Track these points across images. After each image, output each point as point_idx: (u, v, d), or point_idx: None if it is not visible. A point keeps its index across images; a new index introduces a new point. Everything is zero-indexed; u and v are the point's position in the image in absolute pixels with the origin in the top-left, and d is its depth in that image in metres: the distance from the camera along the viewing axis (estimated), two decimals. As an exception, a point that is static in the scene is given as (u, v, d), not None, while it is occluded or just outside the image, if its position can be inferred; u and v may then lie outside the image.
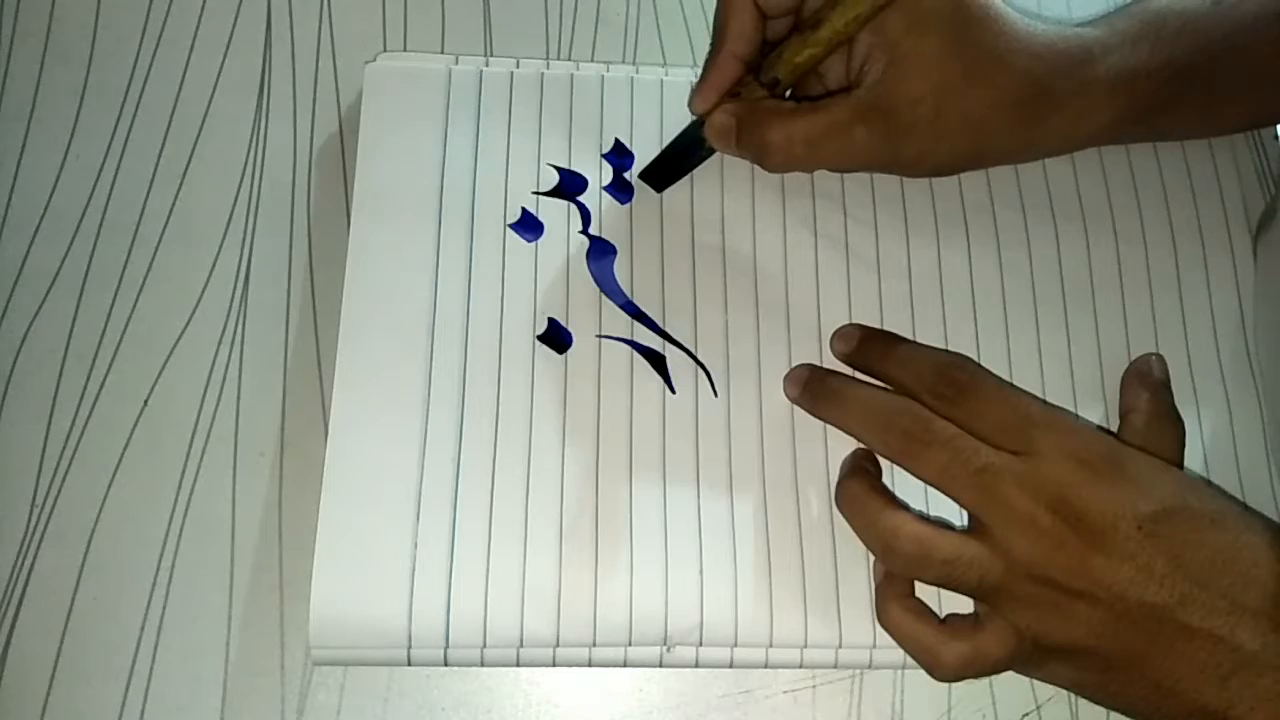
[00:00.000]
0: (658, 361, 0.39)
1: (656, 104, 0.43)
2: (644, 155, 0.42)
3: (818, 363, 0.40)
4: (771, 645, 0.37)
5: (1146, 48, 0.38)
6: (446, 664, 0.36)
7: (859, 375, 0.39)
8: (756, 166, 0.42)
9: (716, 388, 0.39)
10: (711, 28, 0.38)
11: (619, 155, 0.42)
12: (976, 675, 0.34)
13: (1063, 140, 0.40)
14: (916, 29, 0.36)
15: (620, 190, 0.42)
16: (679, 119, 0.43)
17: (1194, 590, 0.31)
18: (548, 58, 0.45)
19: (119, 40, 0.44)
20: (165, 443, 0.39)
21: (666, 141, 0.42)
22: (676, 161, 0.41)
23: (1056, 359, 0.41)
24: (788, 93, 0.40)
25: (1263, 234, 0.44)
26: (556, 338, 0.39)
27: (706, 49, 0.47)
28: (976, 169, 0.42)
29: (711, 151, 0.40)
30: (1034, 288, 0.42)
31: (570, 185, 0.42)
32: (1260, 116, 0.45)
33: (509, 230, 0.41)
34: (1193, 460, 0.39)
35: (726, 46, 0.38)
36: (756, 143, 0.38)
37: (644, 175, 0.42)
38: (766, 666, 0.37)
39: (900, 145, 0.38)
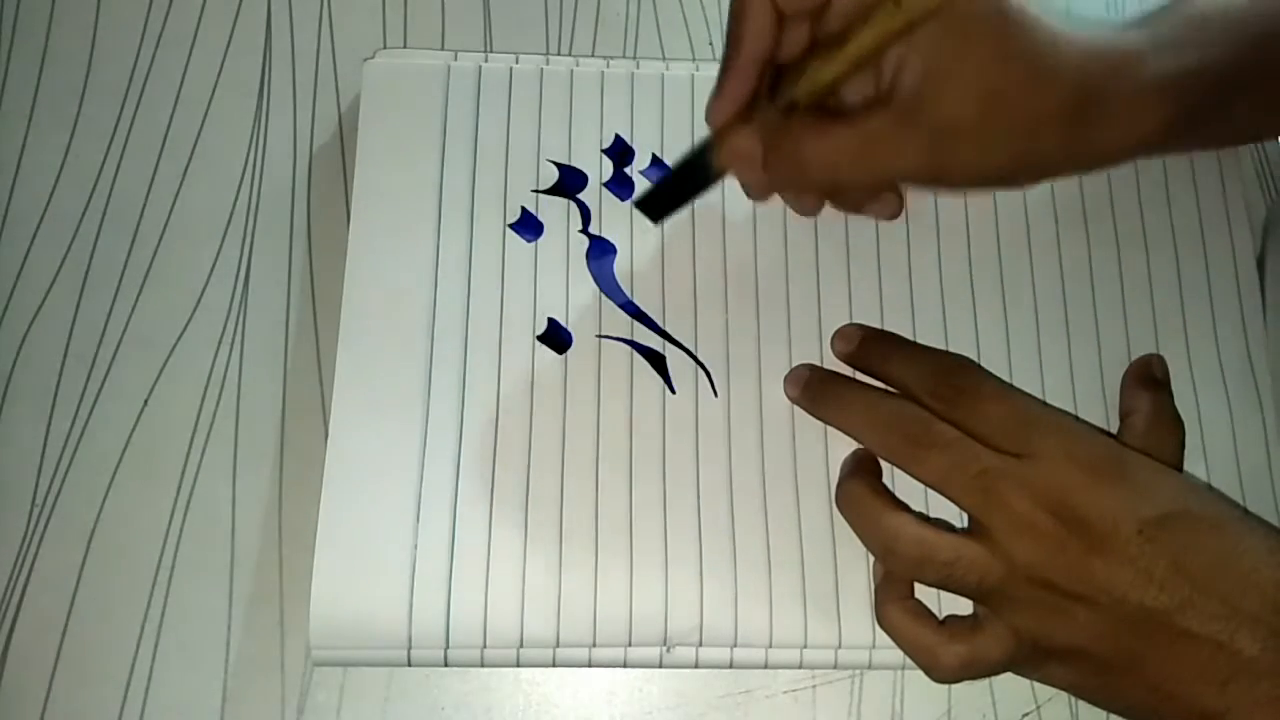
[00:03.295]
0: (658, 361, 0.39)
1: (657, 99, 0.43)
2: (645, 151, 0.42)
3: (818, 363, 0.40)
4: (771, 645, 0.37)
5: (1193, 51, 0.36)
6: (446, 664, 0.36)
7: (859, 375, 0.39)
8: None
9: (716, 388, 0.39)
10: (725, 31, 0.36)
11: (619, 150, 0.42)
12: (975, 677, 0.34)
13: (1112, 149, 0.37)
14: (958, 33, 0.33)
15: (621, 186, 0.42)
16: (680, 114, 0.43)
17: (1194, 595, 0.31)
18: (547, 53, 0.45)
19: (119, 40, 0.44)
20: (165, 443, 0.39)
21: (667, 137, 0.42)
22: (678, 191, 0.39)
23: (1057, 359, 0.41)
24: None
25: (1271, 235, 0.44)
26: (556, 338, 0.39)
27: (705, 46, 0.47)
28: (1024, 183, 0.39)
29: (715, 179, 0.38)
30: (1034, 288, 0.42)
31: (570, 181, 0.41)
32: None
33: (509, 230, 0.40)
34: (1193, 461, 0.39)
35: (745, 49, 0.35)
36: (791, 162, 0.35)
37: (640, 204, 0.40)
38: (766, 667, 0.37)
39: (946, 154, 0.35)
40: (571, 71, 0.43)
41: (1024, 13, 0.35)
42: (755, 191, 0.39)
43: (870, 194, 0.40)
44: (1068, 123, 0.35)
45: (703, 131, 0.42)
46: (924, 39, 0.33)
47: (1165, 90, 0.36)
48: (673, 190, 0.39)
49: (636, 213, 0.41)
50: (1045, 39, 0.35)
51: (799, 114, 0.35)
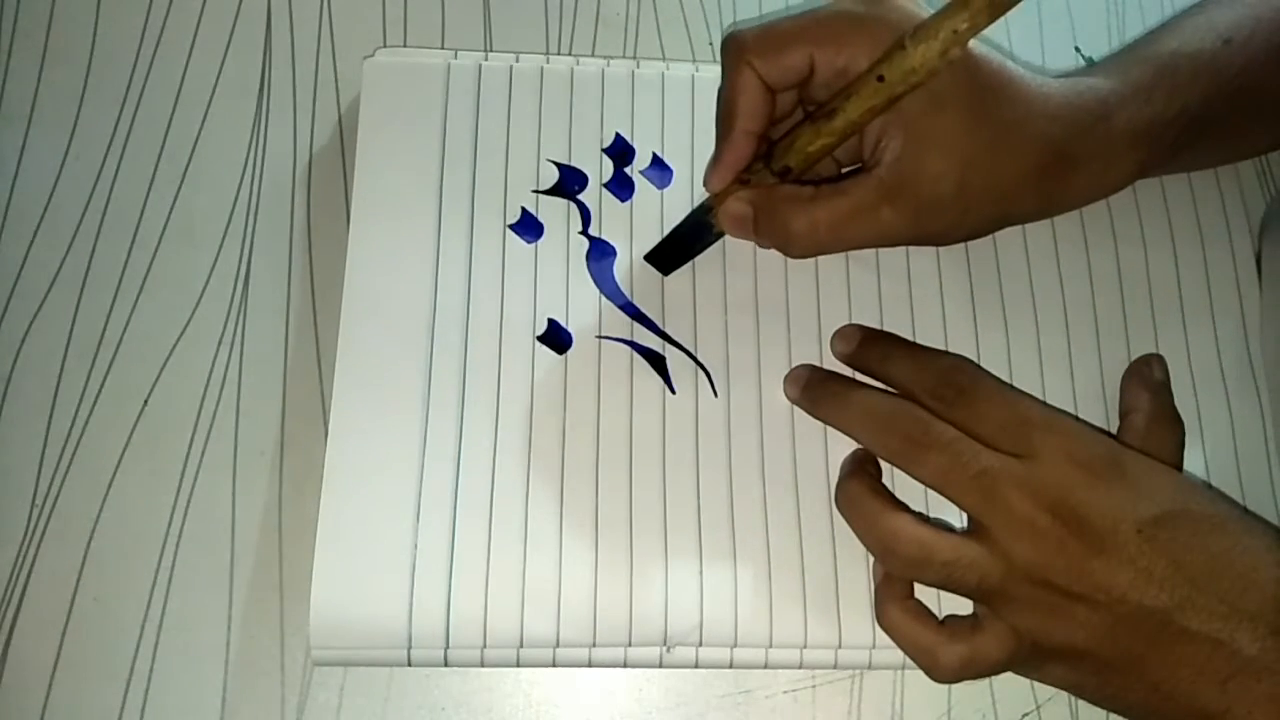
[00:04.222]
0: (658, 362, 0.39)
1: (658, 99, 0.43)
2: (645, 150, 0.42)
3: (818, 363, 0.40)
4: (771, 645, 0.37)
5: (1162, 96, 0.38)
6: (446, 664, 0.36)
7: (859, 376, 0.39)
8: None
9: (716, 388, 0.39)
10: (717, 105, 0.37)
11: (620, 149, 0.42)
12: (975, 677, 0.34)
13: (1085, 196, 0.39)
14: (934, 105, 0.35)
15: (621, 187, 0.42)
16: (681, 115, 0.43)
17: (1193, 594, 0.31)
18: (547, 53, 0.45)
19: (119, 40, 0.44)
20: (165, 443, 0.39)
21: (666, 137, 0.42)
22: (684, 246, 0.41)
23: (1056, 360, 0.41)
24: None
25: (1266, 234, 0.44)
26: (556, 338, 0.39)
27: (705, 46, 0.47)
28: (1001, 230, 0.40)
29: (720, 235, 0.40)
30: (1033, 289, 0.42)
31: (570, 181, 0.41)
32: (1276, 143, 0.45)
33: (509, 230, 0.40)
34: (1193, 461, 0.39)
35: (739, 124, 0.36)
36: (779, 230, 0.37)
37: (649, 258, 0.41)
38: (766, 667, 0.37)
39: (927, 222, 0.37)
40: (572, 71, 0.43)
41: (998, 77, 0.36)
42: (760, 246, 0.41)
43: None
44: (1040, 181, 0.37)
45: (702, 133, 0.43)
46: (907, 109, 0.34)
47: (1137, 138, 0.38)
48: (679, 246, 0.41)
49: (637, 216, 0.41)
50: (1016, 99, 0.36)
51: (788, 184, 0.37)
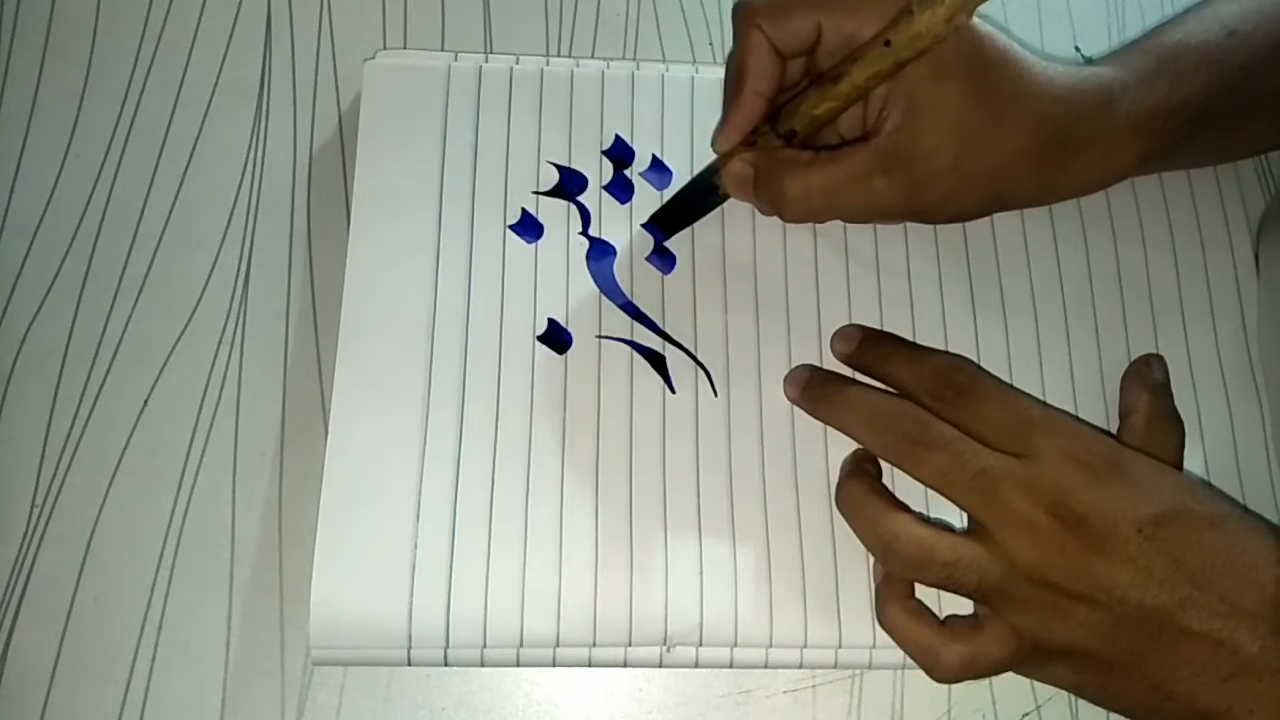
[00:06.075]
0: (658, 362, 0.39)
1: (658, 101, 0.43)
2: (645, 152, 0.42)
3: (818, 363, 0.40)
4: (771, 645, 0.37)
5: (1165, 85, 0.38)
6: (446, 664, 0.36)
7: (859, 376, 0.39)
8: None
9: (716, 388, 0.39)
10: (726, 70, 0.38)
11: (620, 152, 0.42)
12: (976, 677, 0.34)
13: (1085, 183, 0.39)
14: (935, 76, 0.35)
15: (621, 189, 0.42)
16: (680, 116, 0.43)
17: (1194, 593, 0.31)
18: (547, 54, 0.45)
19: (119, 40, 0.44)
20: (165, 443, 0.39)
21: (666, 138, 0.42)
22: (688, 208, 0.41)
23: (1056, 359, 0.41)
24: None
25: (1265, 233, 0.44)
26: (556, 338, 0.39)
27: (705, 47, 0.47)
28: (997, 213, 0.41)
29: (724, 198, 0.40)
30: (1033, 289, 0.42)
31: (570, 184, 0.41)
32: (1278, 139, 0.44)
33: (509, 231, 0.40)
34: (1193, 461, 0.39)
35: (749, 85, 0.37)
36: (774, 193, 0.37)
37: (654, 219, 0.41)
38: (766, 667, 0.37)
39: (921, 194, 0.37)
40: (572, 72, 0.43)
41: (1001, 54, 0.36)
42: (760, 210, 0.41)
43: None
44: (1038, 162, 0.37)
45: (702, 133, 0.43)
46: (908, 79, 0.35)
47: (1139, 126, 0.38)
48: (683, 208, 0.41)
49: (636, 217, 0.41)
50: (1019, 77, 0.36)
51: (789, 148, 0.37)
